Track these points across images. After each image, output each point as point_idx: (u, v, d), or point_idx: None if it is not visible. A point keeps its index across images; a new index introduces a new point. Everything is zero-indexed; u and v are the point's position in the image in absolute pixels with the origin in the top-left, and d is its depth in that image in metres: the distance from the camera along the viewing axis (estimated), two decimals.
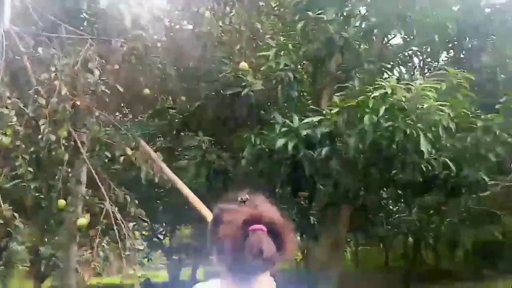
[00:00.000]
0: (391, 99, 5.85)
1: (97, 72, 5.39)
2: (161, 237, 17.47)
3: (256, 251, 1.46)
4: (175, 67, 7.22)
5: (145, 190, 7.83)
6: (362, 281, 16.22)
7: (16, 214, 4.92)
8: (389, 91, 5.80)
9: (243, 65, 6.64)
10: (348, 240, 18.71)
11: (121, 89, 5.90)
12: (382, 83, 5.97)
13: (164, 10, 7.17)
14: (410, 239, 20.07)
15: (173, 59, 7.06)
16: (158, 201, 10.99)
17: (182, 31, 7.15)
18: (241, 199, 1.60)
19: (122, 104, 8.08)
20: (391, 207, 13.41)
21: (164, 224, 15.71)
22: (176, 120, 8.74)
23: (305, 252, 12.45)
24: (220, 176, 7.55)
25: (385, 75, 7.66)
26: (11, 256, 5.30)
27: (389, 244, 21.49)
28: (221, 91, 7.30)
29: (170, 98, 8.68)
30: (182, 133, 9.52)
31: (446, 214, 13.34)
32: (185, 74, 7.51)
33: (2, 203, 4.81)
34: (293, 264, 15.04)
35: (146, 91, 6.60)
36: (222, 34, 6.87)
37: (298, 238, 8.44)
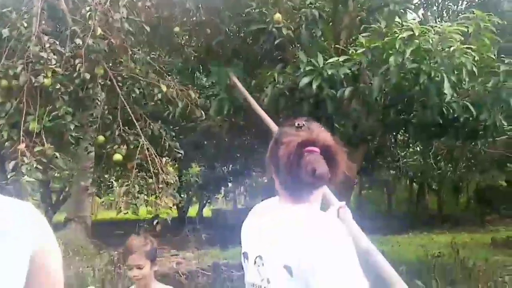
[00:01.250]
0: (418, 41, 5.84)
1: (124, 10, 5.38)
2: None
3: (310, 169, 1.61)
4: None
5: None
6: (365, 224, 16.60)
7: (57, 154, 5.01)
8: (417, 33, 5.78)
9: (278, 16, 6.56)
10: None
11: (148, 29, 5.95)
12: (410, 25, 5.95)
13: None
14: (415, 184, 20.51)
15: None
16: (174, 138, 11.10)
17: None
18: (298, 124, 1.75)
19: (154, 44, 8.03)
20: (399, 151, 13.59)
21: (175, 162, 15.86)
22: (192, 58, 8.67)
23: None
24: (240, 113, 7.66)
25: (408, 17, 7.57)
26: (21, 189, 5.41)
27: (393, 189, 21.97)
28: (244, 28, 7.24)
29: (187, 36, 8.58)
30: (197, 72, 9.51)
31: (454, 159, 13.55)
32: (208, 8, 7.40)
33: (45, 142, 4.93)
34: None
35: (176, 29, 6.58)
36: None
37: None
